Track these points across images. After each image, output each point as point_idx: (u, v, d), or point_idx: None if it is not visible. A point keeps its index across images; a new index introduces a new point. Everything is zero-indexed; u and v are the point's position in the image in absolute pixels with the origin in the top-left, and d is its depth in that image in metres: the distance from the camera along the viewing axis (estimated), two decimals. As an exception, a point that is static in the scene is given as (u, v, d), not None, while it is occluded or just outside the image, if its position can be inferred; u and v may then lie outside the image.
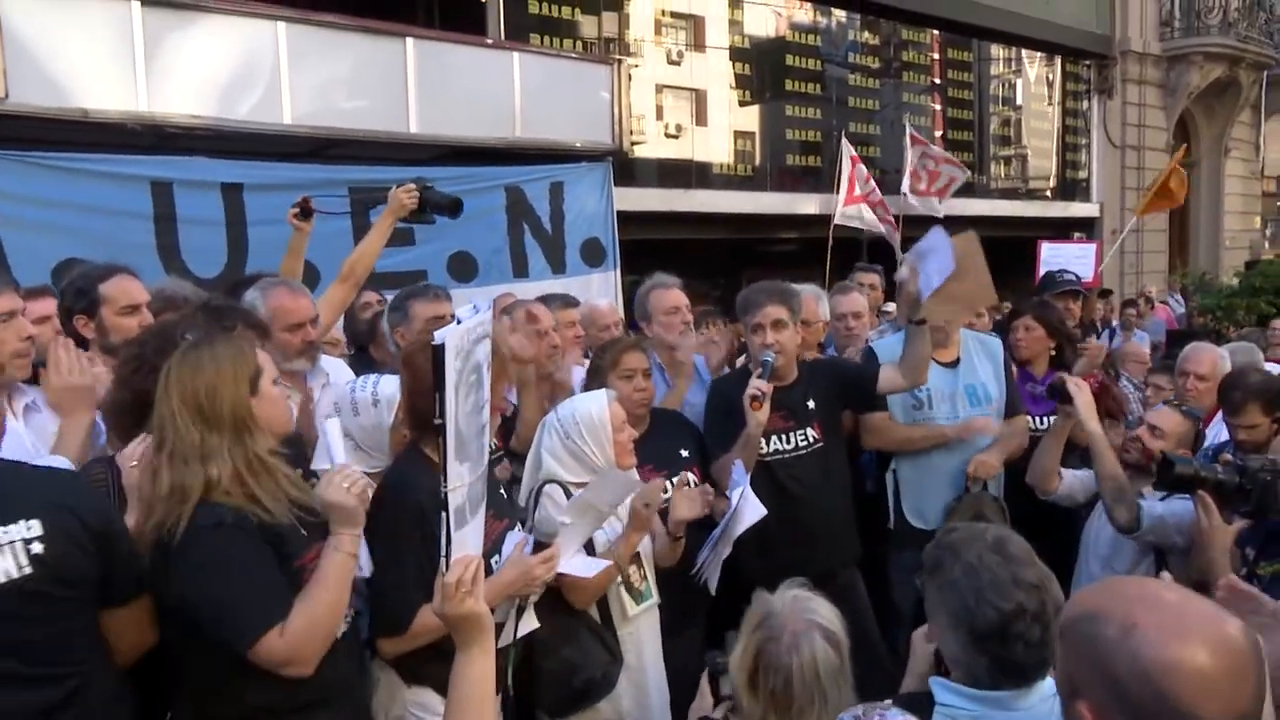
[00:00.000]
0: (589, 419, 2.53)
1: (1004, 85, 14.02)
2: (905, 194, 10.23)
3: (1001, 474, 3.43)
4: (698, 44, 10.00)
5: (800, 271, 10.26)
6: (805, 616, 1.69)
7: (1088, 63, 14.18)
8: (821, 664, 1.65)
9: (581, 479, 2.49)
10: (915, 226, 10.65)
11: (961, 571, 1.55)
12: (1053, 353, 4.00)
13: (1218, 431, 3.52)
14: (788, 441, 3.21)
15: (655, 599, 2.63)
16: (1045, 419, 3.84)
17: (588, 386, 3.05)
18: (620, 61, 7.44)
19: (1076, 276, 5.07)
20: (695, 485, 2.80)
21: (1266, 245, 16.19)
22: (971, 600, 1.51)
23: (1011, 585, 1.51)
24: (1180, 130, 15.54)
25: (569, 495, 2.41)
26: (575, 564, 2.31)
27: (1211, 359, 3.68)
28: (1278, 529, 2.52)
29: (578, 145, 6.80)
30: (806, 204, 10.24)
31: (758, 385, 2.95)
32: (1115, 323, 9.11)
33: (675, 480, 2.98)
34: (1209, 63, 14.68)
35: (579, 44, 8.70)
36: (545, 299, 3.59)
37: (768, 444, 3.15)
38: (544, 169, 6.36)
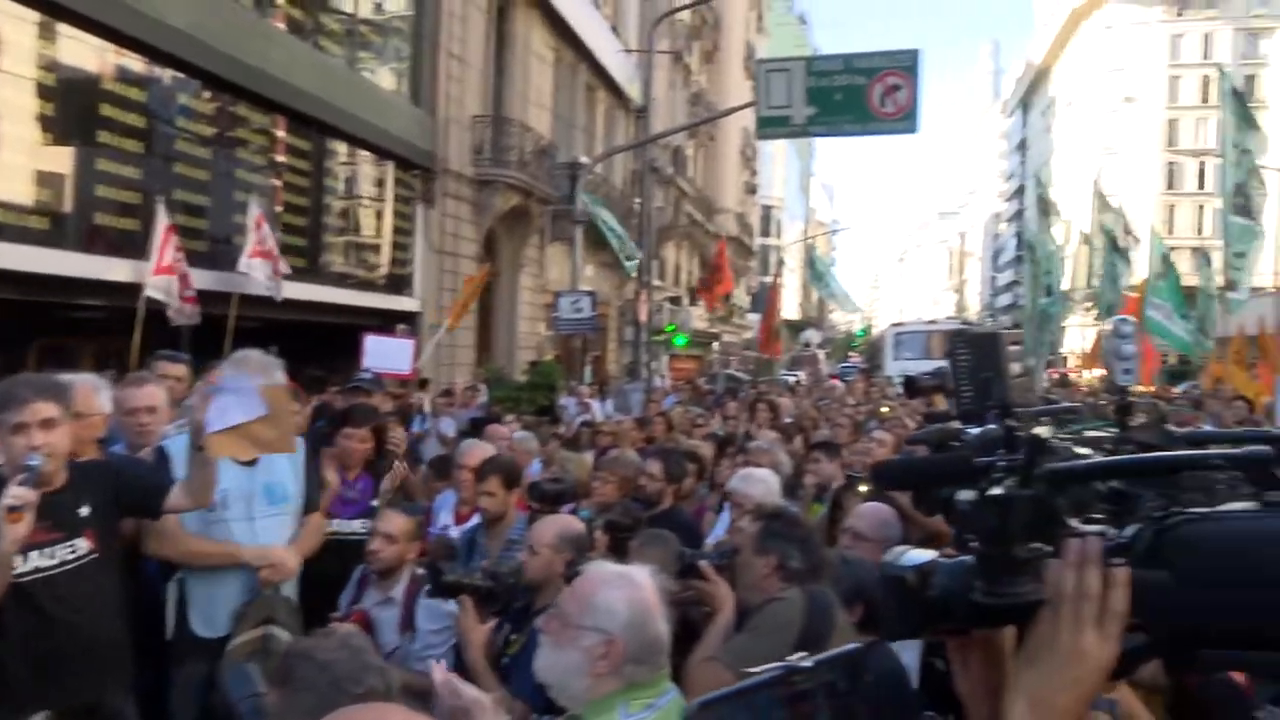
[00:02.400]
0: None
1: (344, 178, 14.72)
2: (247, 271, 10.02)
3: (298, 573, 3.49)
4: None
5: (108, 343, 9.18)
6: None
7: (415, 172, 15.72)
8: None
9: None
10: (253, 306, 10.49)
11: (316, 670, 1.70)
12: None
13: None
14: (52, 556, 2.82)
15: None
16: (352, 521, 4.05)
17: None
18: None
19: (375, 375, 5.52)
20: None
21: (549, 347, 19.65)
22: (330, 692, 1.61)
23: (363, 670, 1.73)
24: (489, 243, 18.12)
25: None
26: None
27: (479, 453, 4.31)
28: (519, 617, 3.08)
29: None
30: (119, 270, 9.24)
31: (19, 494, 2.54)
32: (427, 410, 10.04)
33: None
34: (509, 191, 17.49)
35: None
36: None
37: (25, 561, 2.72)
38: None
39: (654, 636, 1.94)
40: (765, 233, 61.92)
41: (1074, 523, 1.00)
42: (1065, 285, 21.90)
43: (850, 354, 53.10)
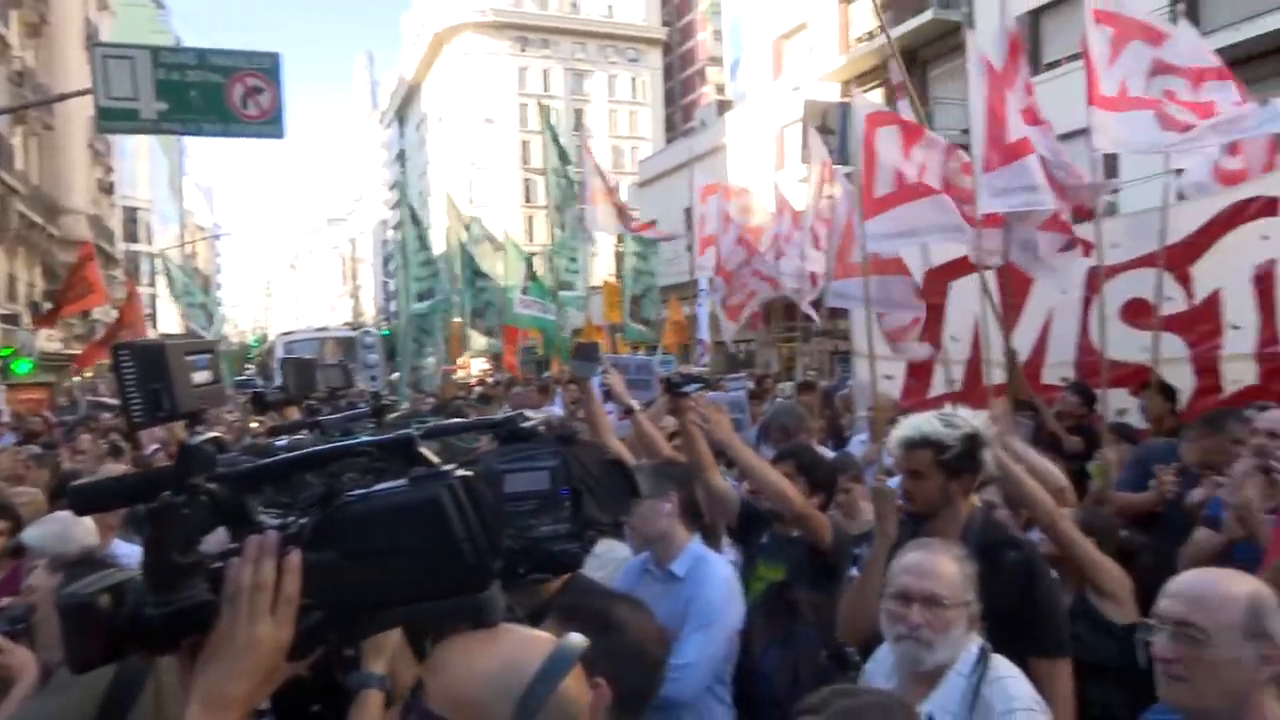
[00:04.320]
0: None
1: None
2: None
3: None
4: None
5: None
6: None
7: None
8: None
9: None
10: None
11: None
12: None
13: None
14: None
15: None
16: None
17: None
18: None
19: None
20: None
21: None
22: None
23: None
24: None
25: None
26: None
27: None
28: None
29: None
30: None
31: None
32: None
33: None
34: None
35: None
36: None
37: None
38: None
39: None
40: (132, 238, 55.00)
41: (265, 518, 1.05)
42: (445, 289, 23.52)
43: (247, 366, 49.97)
